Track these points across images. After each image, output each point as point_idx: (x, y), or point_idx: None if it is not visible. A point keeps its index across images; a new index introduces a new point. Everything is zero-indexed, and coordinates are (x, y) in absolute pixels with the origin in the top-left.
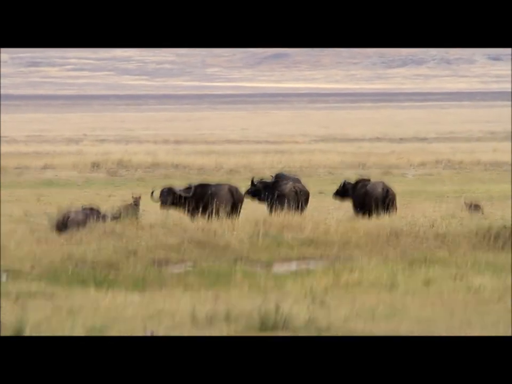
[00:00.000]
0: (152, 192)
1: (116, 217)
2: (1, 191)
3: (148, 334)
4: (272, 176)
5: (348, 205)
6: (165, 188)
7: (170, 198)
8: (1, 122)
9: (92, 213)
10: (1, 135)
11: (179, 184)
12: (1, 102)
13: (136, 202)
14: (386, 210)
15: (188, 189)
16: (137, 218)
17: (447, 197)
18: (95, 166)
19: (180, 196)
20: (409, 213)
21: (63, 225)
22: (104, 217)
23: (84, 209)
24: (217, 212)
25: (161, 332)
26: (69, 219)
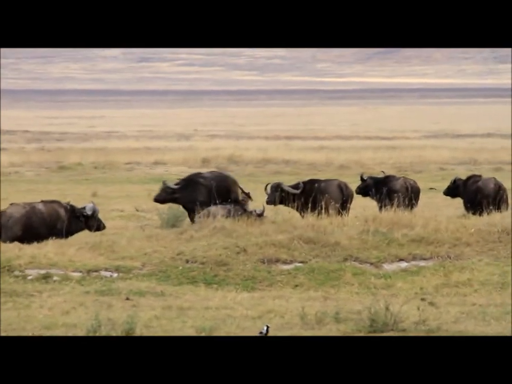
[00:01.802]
0: (266, 187)
1: (260, 214)
2: (113, 187)
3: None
4: (383, 172)
5: (458, 201)
6: (273, 184)
7: (278, 194)
8: (108, 118)
9: (236, 209)
10: (112, 130)
11: (288, 180)
12: (112, 98)
13: (243, 199)
14: (498, 207)
15: (297, 185)
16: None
17: None
18: (206, 161)
19: (288, 193)
20: None
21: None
22: (249, 212)
23: (229, 204)
24: (327, 209)
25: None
26: (210, 213)
